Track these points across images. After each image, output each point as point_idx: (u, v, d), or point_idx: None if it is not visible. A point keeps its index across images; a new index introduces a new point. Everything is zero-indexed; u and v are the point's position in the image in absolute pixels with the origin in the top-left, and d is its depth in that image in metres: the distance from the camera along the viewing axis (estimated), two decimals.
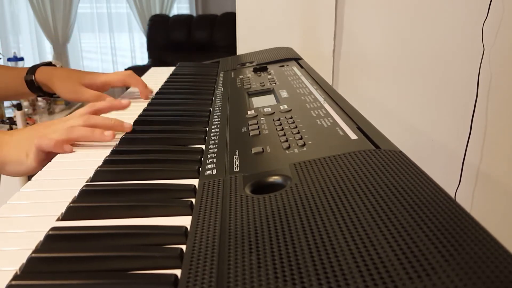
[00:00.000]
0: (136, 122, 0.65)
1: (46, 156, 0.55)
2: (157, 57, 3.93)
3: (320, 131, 0.49)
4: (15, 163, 0.55)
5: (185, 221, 0.36)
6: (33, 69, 0.83)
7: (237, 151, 0.49)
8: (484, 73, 1.27)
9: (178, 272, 0.29)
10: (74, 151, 0.56)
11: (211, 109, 0.71)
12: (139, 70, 1.05)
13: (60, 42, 4.21)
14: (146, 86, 0.85)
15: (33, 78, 0.82)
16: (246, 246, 0.29)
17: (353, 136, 0.46)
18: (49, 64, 0.86)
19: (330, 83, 1.11)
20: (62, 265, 0.31)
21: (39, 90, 0.84)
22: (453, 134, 1.35)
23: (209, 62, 1.18)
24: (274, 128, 0.53)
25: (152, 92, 0.87)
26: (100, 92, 0.83)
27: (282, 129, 0.52)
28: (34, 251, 0.32)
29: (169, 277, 0.29)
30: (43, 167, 0.52)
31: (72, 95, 0.82)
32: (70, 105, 2.45)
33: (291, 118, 0.55)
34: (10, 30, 4.21)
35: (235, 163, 0.46)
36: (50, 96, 0.87)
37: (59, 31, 4.18)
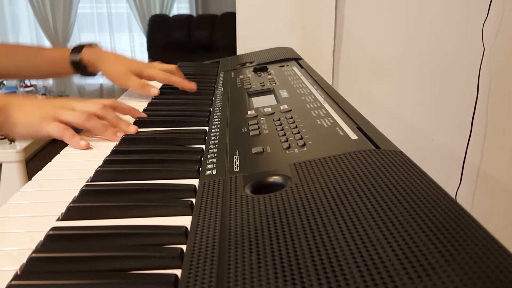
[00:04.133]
0: (136, 122, 0.65)
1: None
2: (157, 57, 3.91)
3: (320, 131, 0.49)
4: (26, 126, 0.59)
5: (185, 221, 0.36)
6: (78, 50, 0.84)
7: (237, 151, 0.49)
8: (484, 73, 1.27)
9: (178, 272, 0.29)
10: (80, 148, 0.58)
11: (211, 109, 0.71)
12: None
13: (60, 42, 4.21)
14: (187, 83, 0.85)
15: (80, 58, 0.83)
16: (246, 246, 0.29)
17: (353, 136, 0.46)
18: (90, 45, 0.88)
19: (330, 83, 1.11)
20: (62, 265, 0.31)
21: (83, 70, 0.85)
22: (453, 134, 1.35)
23: (209, 62, 1.18)
24: (274, 128, 0.53)
25: (195, 85, 0.85)
26: (145, 82, 0.83)
27: (282, 129, 0.52)
28: (34, 251, 0.32)
29: (169, 277, 0.29)
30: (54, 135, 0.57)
31: (119, 79, 0.83)
32: None
33: (291, 118, 0.55)
34: (10, 30, 4.21)
35: (235, 163, 0.46)
36: (93, 75, 0.88)
37: (59, 31, 4.18)
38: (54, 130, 0.57)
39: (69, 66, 0.84)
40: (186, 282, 0.27)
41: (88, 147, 0.57)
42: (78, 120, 0.59)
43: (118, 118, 0.62)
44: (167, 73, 0.85)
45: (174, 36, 3.94)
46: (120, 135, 0.59)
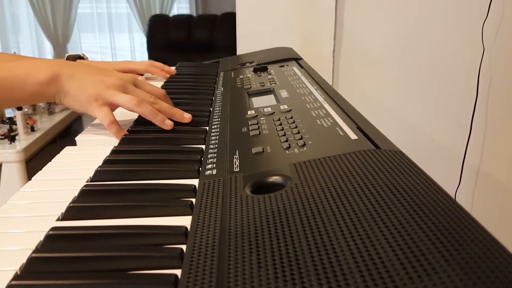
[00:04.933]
0: (136, 122, 0.65)
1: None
2: (157, 57, 3.91)
3: (320, 131, 0.49)
4: (77, 102, 0.60)
5: (185, 221, 0.36)
6: (72, 59, 0.90)
7: (237, 151, 0.49)
8: (484, 73, 1.27)
9: (178, 272, 0.29)
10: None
11: (211, 109, 0.71)
12: None
13: (60, 42, 4.21)
14: (166, 72, 0.97)
15: None
16: (246, 246, 0.29)
17: (353, 136, 0.46)
18: (80, 57, 0.94)
19: (330, 83, 1.11)
20: (62, 265, 0.31)
21: None
22: (453, 134, 1.35)
23: (209, 62, 1.18)
24: (274, 128, 0.53)
25: (173, 72, 0.99)
26: (132, 74, 0.91)
27: (282, 129, 0.52)
28: (34, 251, 0.32)
29: (169, 277, 0.29)
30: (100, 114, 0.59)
31: None
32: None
33: (291, 118, 0.55)
34: (10, 30, 4.21)
35: (235, 163, 0.46)
36: None
37: (59, 31, 4.18)
38: (102, 118, 0.59)
39: None
40: (186, 282, 0.27)
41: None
42: (129, 105, 0.60)
43: (172, 109, 0.63)
44: (144, 63, 0.95)
45: (174, 36, 3.94)
46: (168, 122, 0.60)
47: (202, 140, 0.57)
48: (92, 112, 0.60)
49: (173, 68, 1.07)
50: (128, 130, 0.61)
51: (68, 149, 0.58)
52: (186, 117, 0.63)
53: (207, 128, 0.61)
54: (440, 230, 0.27)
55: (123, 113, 0.66)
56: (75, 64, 0.65)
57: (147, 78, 1.00)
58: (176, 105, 0.79)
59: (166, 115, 0.62)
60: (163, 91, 0.67)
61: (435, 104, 1.35)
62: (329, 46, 1.34)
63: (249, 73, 0.90)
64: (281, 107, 0.61)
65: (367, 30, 1.34)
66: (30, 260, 0.31)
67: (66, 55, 0.93)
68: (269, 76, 0.83)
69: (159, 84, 0.92)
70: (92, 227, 0.36)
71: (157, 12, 4.27)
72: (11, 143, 1.76)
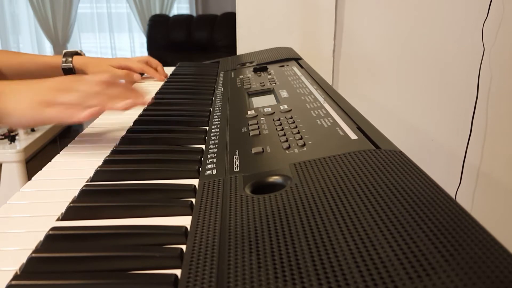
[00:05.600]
0: (136, 122, 0.65)
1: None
2: (157, 57, 3.91)
3: (320, 131, 0.49)
4: (23, 115, 0.54)
5: (185, 221, 0.36)
6: (68, 57, 0.93)
7: (237, 151, 0.49)
8: (484, 73, 1.27)
9: (178, 272, 0.29)
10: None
11: (211, 109, 0.71)
12: None
13: (60, 42, 4.21)
14: (161, 73, 1.02)
15: (71, 66, 0.93)
16: (246, 246, 0.29)
17: (353, 136, 0.46)
18: (77, 53, 0.96)
19: (330, 83, 1.11)
20: (62, 265, 0.31)
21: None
22: (453, 134, 1.35)
23: (209, 62, 1.18)
24: (274, 128, 0.53)
25: (166, 75, 1.03)
26: (127, 71, 0.97)
27: (282, 129, 0.52)
28: (34, 251, 0.32)
29: (169, 277, 0.29)
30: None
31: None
32: None
33: (291, 118, 0.55)
34: (10, 30, 4.21)
35: (235, 163, 0.46)
36: None
37: (59, 31, 4.18)
38: (57, 114, 0.54)
39: (61, 73, 0.93)
40: (186, 282, 0.27)
41: (101, 110, 0.55)
42: (79, 101, 0.55)
43: (124, 91, 0.57)
44: (140, 61, 1.01)
45: (174, 36, 3.94)
46: (129, 101, 0.56)
47: (202, 140, 0.57)
48: (45, 116, 0.54)
49: (166, 69, 1.08)
50: (127, 130, 0.61)
51: (68, 149, 0.58)
52: (143, 99, 0.58)
53: (207, 128, 0.61)
54: (440, 230, 0.27)
55: (122, 115, 0.66)
56: (18, 82, 0.59)
57: (143, 78, 1.01)
58: (176, 105, 0.79)
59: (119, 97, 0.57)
60: (123, 71, 0.66)
61: (435, 104, 1.34)
62: (329, 46, 1.33)
63: (249, 73, 0.90)
64: (281, 107, 0.61)
65: (367, 30, 1.34)
66: (30, 260, 0.31)
67: (64, 51, 0.94)
68: (269, 76, 0.83)
69: (155, 84, 0.94)
70: (92, 227, 0.36)
71: (157, 12, 4.27)
72: (11, 143, 1.76)
